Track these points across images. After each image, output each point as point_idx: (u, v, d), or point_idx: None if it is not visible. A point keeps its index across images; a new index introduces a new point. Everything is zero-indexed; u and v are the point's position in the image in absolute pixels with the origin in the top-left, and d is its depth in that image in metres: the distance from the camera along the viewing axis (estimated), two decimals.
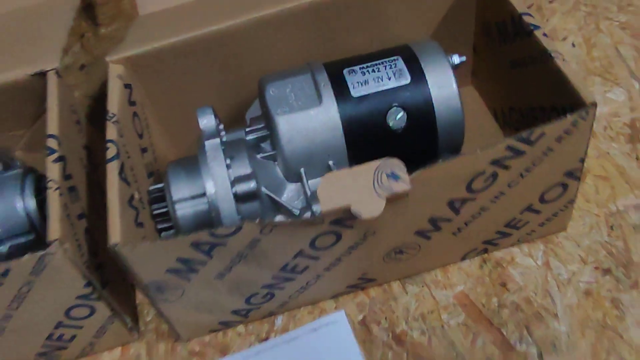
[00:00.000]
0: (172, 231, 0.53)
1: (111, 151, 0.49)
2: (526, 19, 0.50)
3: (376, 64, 0.54)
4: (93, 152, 0.59)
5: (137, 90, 0.58)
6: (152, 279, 0.47)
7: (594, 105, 0.44)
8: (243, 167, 0.51)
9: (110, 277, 0.53)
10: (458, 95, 0.52)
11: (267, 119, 0.53)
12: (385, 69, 0.54)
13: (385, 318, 0.54)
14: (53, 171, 0.49)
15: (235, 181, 0.50)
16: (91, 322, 0.52)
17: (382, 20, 0.59)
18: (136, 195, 0.50)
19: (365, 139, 0.52)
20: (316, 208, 0.45)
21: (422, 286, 0.56)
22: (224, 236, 0.44)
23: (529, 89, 0.54)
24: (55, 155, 0.50)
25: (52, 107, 0.53)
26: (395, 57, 0.54)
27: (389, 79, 0.53)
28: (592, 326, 0.51)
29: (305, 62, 0.55)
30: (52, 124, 0.52)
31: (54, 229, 0.46)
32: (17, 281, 0.46)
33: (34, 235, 0.55)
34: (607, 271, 0.54)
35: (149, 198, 0.53)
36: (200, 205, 0.51)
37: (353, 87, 0.53)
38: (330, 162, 0.52)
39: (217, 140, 0.50)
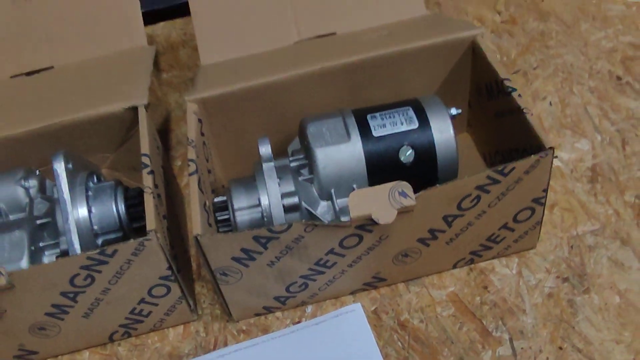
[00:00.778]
0: (231, 233, 0.68)
1: (191, 167, 0.65)
2: (506, 82, 0.66)
3: (392, 112, 0.68)
4: (166, 171, 0.75)
5: (205, 124, 0.74)
6: (220, 264, 0.62)
7: (552, 149, 0.60)
8: (289, 186, 0.67)
9: (180, 267, 0.69)
10: (454, 138, 0.67)
11: (307, 151, 0.69)
12: (399, 116, 0.69)
13: (392, 309, 0.69)
14: (148, 181, 0.65)
15: (283, 196, 0.66)
16: (165, 301, 0.67)
17: (398, 79, 0.75)
18: (207, 203, 0.66)
19: (382, 169, 0.67)
20: (344, 219, 0.61)
21: (422, 287, 0.71)
22: (279, 232, 0.60)
23: (508, 136, 0.69)
24: (148, 169, 0.66)
25: (144, 133, 0.69)
26: (407, 107, 0.69)
27: (402, 123, 0.68)
28: (552, 320, 0.66)
29: (337, 108, 0.70)
30: (144, 145, 0.67)
31: (150, 221, 0.61)
32: (120, 260, 0.61)
33: (122, 233, 0.71)
34: (566, 279, 0.69)
35: (214, 207, 0.69)
36: (255, 213, 0.67)
37: (374, 129, 0.68)
38: (354, 186, 0.67)
39: (272, 163, 0.66)
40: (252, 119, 0.76)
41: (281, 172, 0.67)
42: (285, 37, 0.82)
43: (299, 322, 0.70)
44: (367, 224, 0.61)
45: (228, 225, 0.68)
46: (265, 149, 0.66)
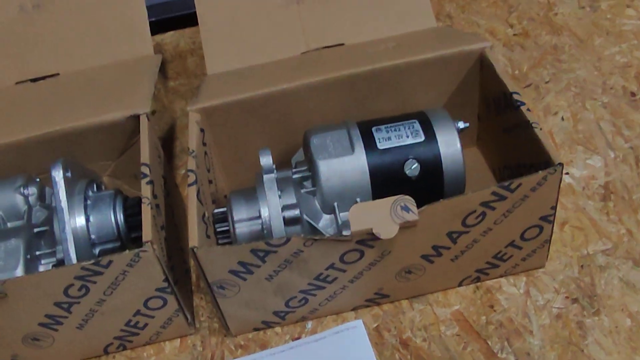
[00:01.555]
0: (228, 246, 0.67)
1: (191, 178, 0.63)
2: (515, 96, 0.65)
3: (398, 125, 0.67)
4: (167, 180, 0.74)
5: (207, 134, 0.73)
6: (217, 277, 0.61)
7: (561, 165, 0.58)
8: (290, 198, 0.65)
9: (178, 278, 0.67)
10: (461, 153, 0.65)
11: (310, 163, 0.67)
12: (405, 128, 0.67)
13: (395, 327, 0.67)
14: (146, 191, 0.64)
15: (284, 208, 0.64)
16: (162, 313, 0.66)
17: (405, 91, 0.74)
18: (206, 214, 0.65)
19: (386, 183, 0.65)
20: (346, 233, 0.59)
21: (426, 304, 0.69)
22: (277, 245, 0.58)
23: (517, 151, 0.67)
24: (147, 179, 0.64)
25: (144, 142, 0.68)
26: (413, 120, 0.67)
27: (407, 136, 0.66)
28: (560, 342, 0.64)
29: (342, 120, 0.69)
30: (145, 155, 0.67)
31: (147, 233, 0.60)
32: (116, 271, 0.60)
33: (120, 243, 0.69)
34: (575, 300, 0.67)
35: (214, 218, 0.68)
36: (255, 225, 0.65)
37: (379, 142, 0.66)
38: (358, 199, 0.65)
39: (273, 175, 0.64)
40: (255, 129, 0.75)
41: (283, 183, 0.66)
42: (293, 47, 0.81)
43: (298, 338, 0.68)
44: (369, 239, 0.59)
45: (227, 237, 0.67)
46: (266, 160, 0.65)
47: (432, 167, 0.66)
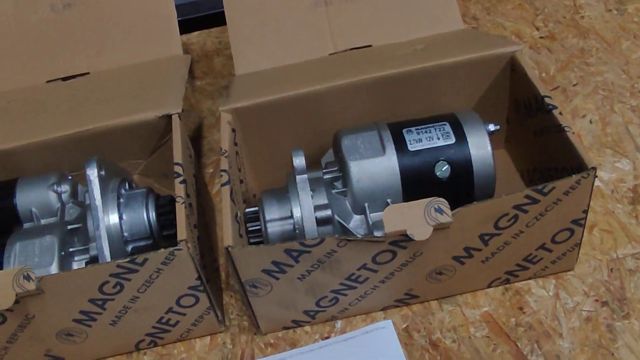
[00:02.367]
0: (262, 245, 0.68)
1: (224, 178, 0.64)
2: (547, 100, 0.65)
3: (428, 127, 0.67)
4: (197, 180, 0.75)
5: (238, 134, 0.73)
6: (250, 276, 0.61)
7: (594, 169, 0.58)
8: (322, 199, 0.66)
9: (209, 276, 0.68)
10: (492, 155, 0.65)
11: (341, 163, 0.68)
12: (436, 130, 0.67)
13: (424, 328, 0.68)
14: (180, 190, 0.64)
15: (316, 208, 0.65)
16: (193, 311, 0.66)
17: (434, 94, 0.74)
18: (238, 214, 0.66)
19: (417, 184, 0.66)
20: (378, 234, 0.60)
21: (455, 305, 0.69)
22: (311, 246, 0.59)
23: (547, 154, 0.68)
24: (181, 178, 0.65)
25: (177, 142, 0.69)
26: (444, 122, 0.67)
27: (438, 138, 0.67)
28: (590, 345, 0.64)
29: (372, 122, 0.69)
30: (177, 154, 0.67)
31: (182, 232, 0.61)
32: (150, 268, 0.60)
33: (152, 240, 0.70)
34: (605, 303, 0.67)
35: (245, 218, 0.68)
36: (287, 225, 0.66)
37: (410, 143, 0.67)
38: (389, 200, 0.66)
39: (306, 175, 0.65)
40: (285, 129, 0.76)
41: (314, 184, 0.66)
42: (320, 48, 0.82)
43: (328, 337, 0.68)
44: (402, 240, 0.59)
45: (259, 236, 0.67)
46: (299, 161, 0.65)
47: (463, 169, 0.66)
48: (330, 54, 0.81)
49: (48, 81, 0.85)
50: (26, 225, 0.70)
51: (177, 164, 0.66)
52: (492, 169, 0.66)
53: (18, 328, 0.63)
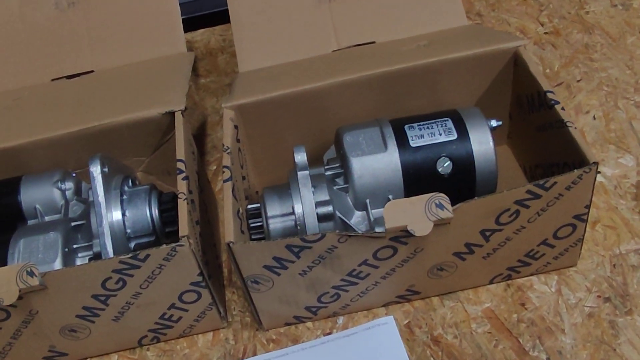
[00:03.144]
0: (263, 241, 0.68)
1: (226, 174, 0.64)
2: (549, 95, 0.65)
3: (430, 123, 0.67)
4: (200, 176, 0.75)
5: (241, 131, 0.73)
6: (252, 272, 0.61)
7: (596, 163, 0.58)
8: (323, 195, 0.66)
9: (211, 273, 0.68)
10: (494, 151, 0.65)
11: (343, 160, 0.68)
12: (438, 127, 0.67)
13: (426, 324, 0.68)
14: (182, 186, 0.64)
15: (317, 205, 0.65)
16: (195, 307, 0.66)
17: (437, 89, 0.74)
18: (240, 210, 0.66)
19: (418, 180, 0.65)
20: (379, 230, 0.60)
21: (457, 301, 0.69)
22: (312, 241, 0.59)
23: (550, 150, 0.67)
24: (183, 175, 0.65)
25: (180, 139, 0.69)
26: (445, 119, 0.67)
27: (440, 134, 0.67)
28: (592, 341, 0.64)
29: (375, 118, 0.70)
30: (180, 151, 0.68)
31: (183, 227, 0.61)
32: (152, 264, 0.61)
33: (154, 237, 0.70)
34: (607, 299, 0.67)
35: (247, 214, 0.68)
36: (288, 221, 0.66)
37: (412, 139, 0.67)
38: (390, 196, 0.66)
39: (307, 172, 0.65)
40: (288, 126, 0.76)
41: (316, 180, 0.67)
42: (323, 45, 0.82)
43: (329, 333, 0.68)
44: (402, 236, 0.59)
45: (260, 233, 0.67)
46: (300, 157, 0.65)
47: (465, 165, 0.66)
48: (333, 51, 0.81)
49: (53, 79, 0.86)
50: (30, 222, 0.70)
51: (180, 160, 0.67)
52: (494, 165, 0.66)
53: (22, 324, 0.64)
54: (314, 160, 0.73)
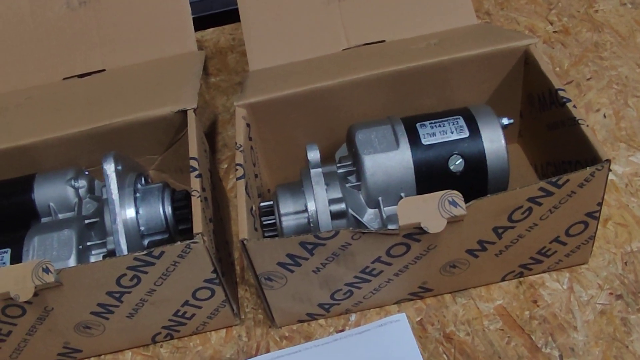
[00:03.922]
0: (277, 238, 0.68)
1: (239, 172, 0.65)
2: (561, 93, 0.65)
3: (442, 121, 0.67)
4: (212, 174, 0.75)
5: (253, 129, 0.74)
6: (265, 269, 0.62)
7: (608, 161, 0.58)
8: (336, 192, 0.66)
9: (224, 270, 0.68)
10: (505, 148, 0.66)
11: (355, 157, 0.68)
12: (449, 124, 0.68)
13: (438, 321, 0.68)
14: (195, 184, 0.65)
15: (330, 202, 0.65)
16: (209, 304, 0.67)
17: (448, 88, 0.74)
18: (253, 207, 0.66)
19: (430, 178, 0.66)
20: (392, 227, 0.60)
21: (469, 299, 0.69)
22: (325, 238, 0.59)
23: (561, 148, 0.68)
24: (196, 172, 0.66)
25: (192, 137, 0.69)
26: (457, 117, 0.68)
27: (452, 132, 0.67)
28: (604, 338, 0.64)
29: (386, 116, 0.70)
30: (193, 149, 0.68)
31: (197, 225, 0.61)
32: (167, 261, 0.61)
33: (168, 234, 0.71)
34: (619, 296, 0.67)
35: (260, 212, 0.69)
36: (301, 219, 0.66)
37: (423, 137, 0.67)
38: (402, 194, 0.66)
39: (320, 169, 0.65)
40: (299, 124, 0.76)
41: (329, 178, 0.67)
42: (334, 44, 0.82)
43: (342, 330, 0.69)
44: (416, 233, 0.60)
45: (273, 230, 0.68)
46: (313, 155, 0.66)
47: (476, 162, 0.66)
48: (343, 50, 0.82)
49: (65, 78, 0.86)
50: (44, 219, 0.71)
51: (193, 158, 0.67)
52: (505, 163, 0.66)
53: (37, 320, 0.64)
54: (325, 158, 0.73)
